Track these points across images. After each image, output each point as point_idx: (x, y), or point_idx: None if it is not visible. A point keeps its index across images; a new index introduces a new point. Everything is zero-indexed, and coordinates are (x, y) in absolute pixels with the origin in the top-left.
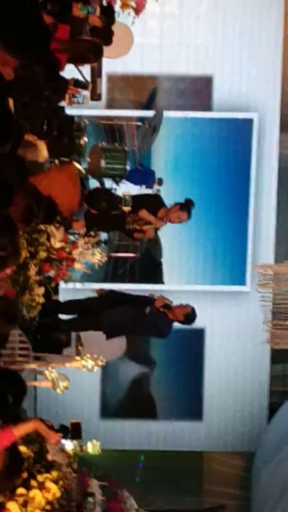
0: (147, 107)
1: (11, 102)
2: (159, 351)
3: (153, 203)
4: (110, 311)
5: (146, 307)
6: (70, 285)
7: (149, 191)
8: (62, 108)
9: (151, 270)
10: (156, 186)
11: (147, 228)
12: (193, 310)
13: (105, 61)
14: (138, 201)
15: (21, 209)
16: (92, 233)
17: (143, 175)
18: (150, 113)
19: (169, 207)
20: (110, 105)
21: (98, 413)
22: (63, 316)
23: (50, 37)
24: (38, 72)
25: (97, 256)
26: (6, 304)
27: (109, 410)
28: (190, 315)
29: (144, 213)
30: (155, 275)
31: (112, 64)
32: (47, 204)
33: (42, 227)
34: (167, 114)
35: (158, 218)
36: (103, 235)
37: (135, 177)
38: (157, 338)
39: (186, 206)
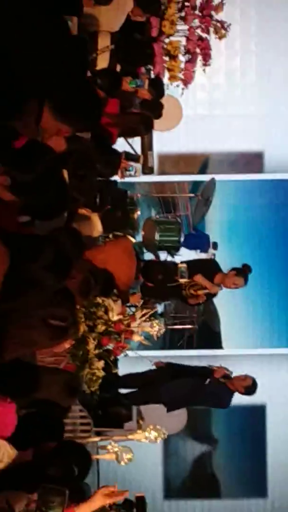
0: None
1: (65, 174)
2: (220, 427)
3: (209, 268)
4: (169, 384)
5: (205, 379)
6: (130, 352)
7: (204, 256)
8: (115, 182)
9: (209, 338)
10: (211, 251)
11: (202, 293)
12: (254, 382)
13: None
14: (194, 266)
15: (78, 283)
16: (149, 305)
17: (198, 239)
18: (202, 177)
19: (226, 272)
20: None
21: (161, 493)
22: (123, 390)
23: (102, 107)
24: (90, 145)
25: (156, 328)
26: (68, 377)
27: (172, 489)
28: (250, 388)
29: (199, 278)
30: (214, 342)
31: (160, 140)
32: (104, 277)
33: (100, 300)
34: (221, 177)
35: (214, 284)
36: (160, 307)
37: (189, 242)
38: (217, 411)
39: (243, 271)
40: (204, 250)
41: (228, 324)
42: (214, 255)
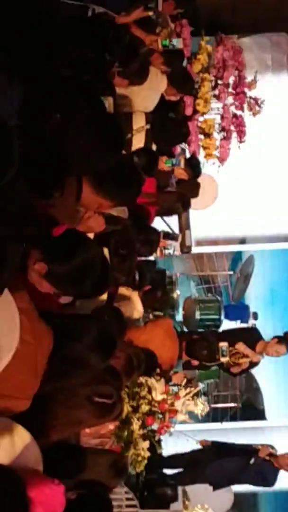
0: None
1: (106, 252)
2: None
3: (250, 336)
4: (215, 463)
5: (250, 458)
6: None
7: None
8: (154, 261)
9: (253, 414)
10: (251, 321)
11: (244, 361)
12: None
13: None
14: (235, 334)
15: (121, 362)
16: (192, 383)
17: (238, 310)
18: (241, 247)
19: (267, 341)
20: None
21: None
22: (168, 470)
23: (141, 180)
24: (129, 224)
25: (200, 407)
26: (114, 458)
27: None
28: None
29: (241, 347)
30: (257, 415)
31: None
32: (147, 357)
33: (143, 380)
34: (258, 247)
35: (255, 352)
36: (203, 385)
37: (229, 313)
38: (264, 494)
39: (285, 339)
40: (245, 320)
41: (271, 395)
42: (254, 325)
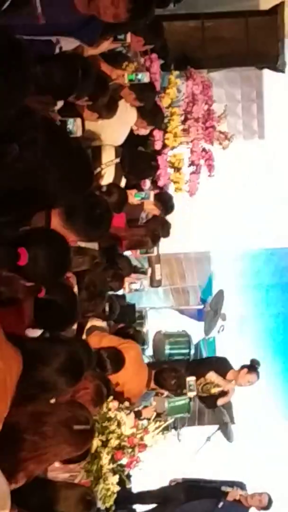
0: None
1: (75, 288)
2: None
3: (221, 365)
4: (183, 506)
5: (219, 501)
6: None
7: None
8: (123, 296)
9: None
10: (220, 322)
11: (215, 391)
12: (269, 499)
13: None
14: (205, 364)
15: (90, 392)
16: (162, 417)
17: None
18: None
19: (237, 370)
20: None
21: None
22: (138, 506)
23: (111, 216)
24: (98, 256)
25: (169, 441)
26: (82, 491)
27: None
28: (266, 507)
29: (212, 376)
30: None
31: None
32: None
33: (112, 415)
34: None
35: (227, 381)
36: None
37: (198, 315)
38: None
39: (253, 368)
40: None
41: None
42: (223, 326)
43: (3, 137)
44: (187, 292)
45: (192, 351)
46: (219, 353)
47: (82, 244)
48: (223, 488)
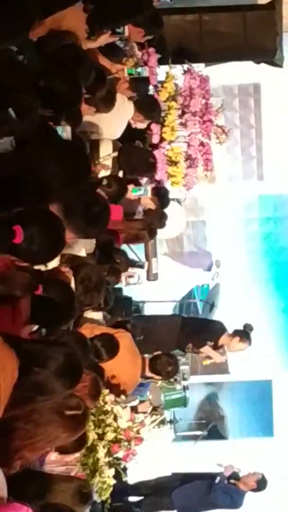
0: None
1: (72, 282)
2: None
3: (214, 329)
4: (179, 489)
5: (215, 478)
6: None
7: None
8: (120, 289)
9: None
10: (214, 268)
11: (207, 363)
12: (263, 476)
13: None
14: (199, 334)
15: (87, 385)
16: (158, 411)
17: (200, 258)
18: None
19: (231, 334)
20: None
21: None
22: (133, 498)
23: (109, 215)
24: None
25: (166, 435)
26: (79, 484)
27: None
28: (261, 481)
29: (207, 349)
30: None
31: None
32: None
33: (109, 408)
34: None
35: (219, 351)
36: (168, 414)
37: (192, 261)
38: None
39: (246, 335)
40: (207, 268)
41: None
42: (217, 273)
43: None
44: (180, 239)
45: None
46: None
47: (80, 240)
48: (218, 465)
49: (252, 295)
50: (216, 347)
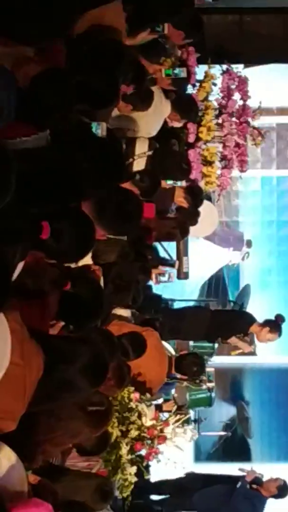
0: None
1: (101, 280)
2: None
3: (243, 322)
4: (201, 492)
5: (236, 482)
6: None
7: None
8: (150, 286)
9: (239, 448)
10: (245, 248)
11: (235, 353)
12: (285, 482)
13: None
14: (228, 325)
15: (111, 377)
16: (182, 411)
17: (230, 237)
18: None
19: (261, 323)
20: None
21: None
22: (155, 496)
23: (141, 213)
24: (127, 247)
25: (189, 434)
26: (100, 481)
27: None
28: (283, 487)
29: (234, 340)
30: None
31: None
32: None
33: (133, 405)
34: None
35: (248, 342)
36: (193, 413)
37: (222, 240)
38: None
39: (276, 326)
40: (238, 248)
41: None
42: (248, 253)
43: None
44: None
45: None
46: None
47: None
48: (240, 470)
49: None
50: (245, 335)
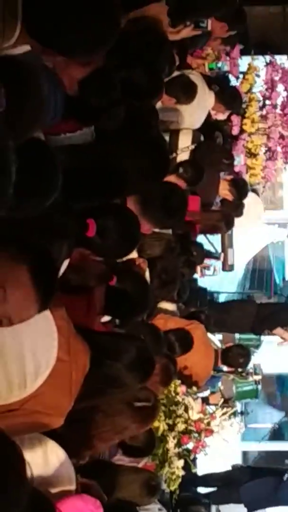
0: None
1: (147, 273)
2: None
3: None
4: (249, 484)
5: (284, 474)
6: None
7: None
8: (195, 279)
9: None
10: None
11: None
12: None
13: None
14: (274, 317)
15: (158, 373)
16: (229, 404)
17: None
18: None
19: None
20: None
21: None
22: (202, 489)
23: (186, 205)
24: (173, 241)
25: (236, 427)
26: (147, 476)
27: None
28: None
29: (279, 331)
30: None
31: None
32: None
33: (180, 399)
34: None
35: None
36: (239, 405)
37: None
38: None
39: None
40: (283, 225)
41: None
42: None
43: None
44: None
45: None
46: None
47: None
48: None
49: None
50: None
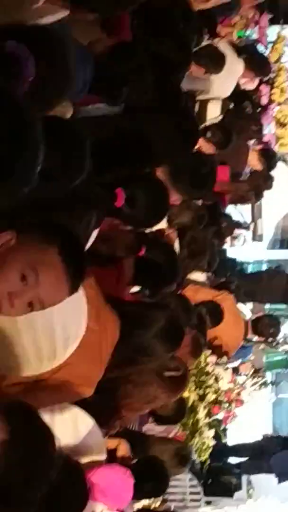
0: None
1: (176, 243)
2: None
3: None
4: (280, 454)
5: None
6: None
7: None
8: (224, 250)
9: None
10: None
11: None
12: None
13: None
14: None
15: (188, 345)
16: (259, 373)
17: None
18: None
19: None
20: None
21: None
22: (233, 459)
23: (214, 177)
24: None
25: (267, 397)
26: (178, 446)
27: None
28: None
29: None
30: None
31: None
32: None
33: (209, 369)
34: None
35: None
36: (269, 376)
37: None
38: None
39: None
40: None
41: None
42: None
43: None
44: None
45: None
46: None
47: None
48: None
49: None
50: None
